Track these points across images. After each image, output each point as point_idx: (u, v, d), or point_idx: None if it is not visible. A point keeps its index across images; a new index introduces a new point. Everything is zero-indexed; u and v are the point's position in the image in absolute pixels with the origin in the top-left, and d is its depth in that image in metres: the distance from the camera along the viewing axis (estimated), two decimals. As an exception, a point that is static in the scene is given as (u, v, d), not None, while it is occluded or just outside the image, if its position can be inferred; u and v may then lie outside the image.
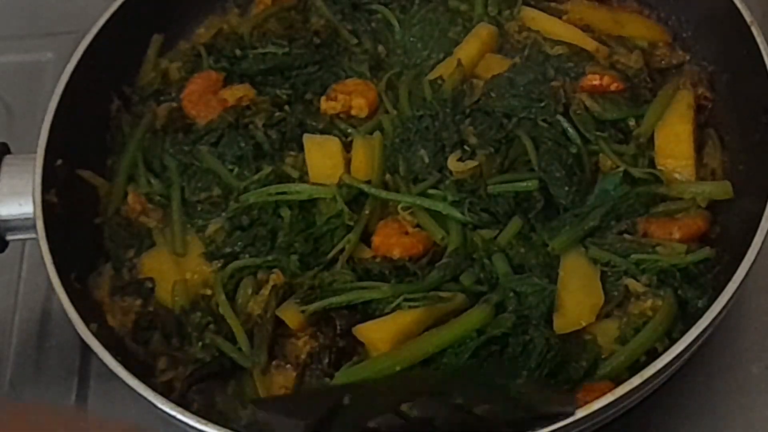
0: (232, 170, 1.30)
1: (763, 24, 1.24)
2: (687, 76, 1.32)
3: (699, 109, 1.29)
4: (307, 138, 1.30)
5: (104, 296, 1.24)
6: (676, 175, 1.24)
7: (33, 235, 1.21)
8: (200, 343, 1.19)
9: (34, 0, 1.65)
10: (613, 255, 1.18)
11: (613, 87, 1.29)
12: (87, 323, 1.15)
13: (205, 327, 1.19)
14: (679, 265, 1.17)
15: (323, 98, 1.34)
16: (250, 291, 1.21)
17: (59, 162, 1.26)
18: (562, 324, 1.15)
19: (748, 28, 1.24)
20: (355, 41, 1.39)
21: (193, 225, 1.28)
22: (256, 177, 1.28)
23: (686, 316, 1.15)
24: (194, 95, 1.36)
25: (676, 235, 1.19)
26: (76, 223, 1.27)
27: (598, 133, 1.26)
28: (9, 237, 1.25)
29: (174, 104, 1.36)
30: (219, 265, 1.24)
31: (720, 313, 1.09)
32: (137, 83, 1.39)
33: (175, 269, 1.25)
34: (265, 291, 1.20)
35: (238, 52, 1.39)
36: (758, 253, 1.11)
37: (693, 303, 1.16)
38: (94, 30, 1.33)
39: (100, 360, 1.13)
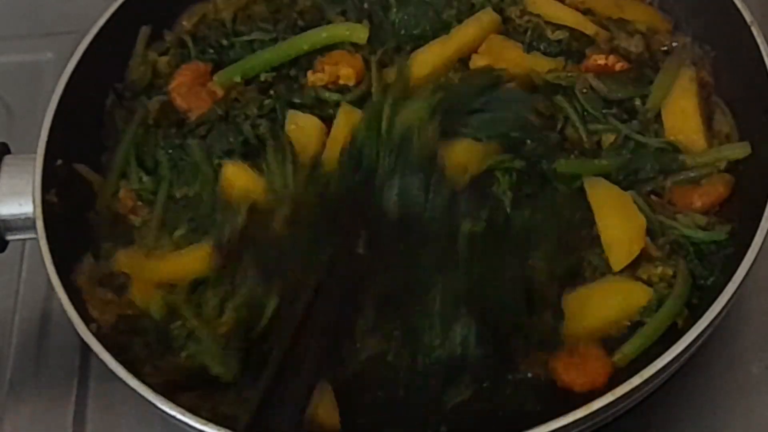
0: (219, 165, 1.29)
1: (763, 24, 1.24)
2: (688, 55, 1.32)
3: (702, 86, 1.29)
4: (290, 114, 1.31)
5: (84, 283, 1.23)
6: (690, 146, 1.25)
7: (33, 235, 1.21)
8: (184, 353, 1.18)
9: (34, 0, 1.65)
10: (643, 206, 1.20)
11: (618, 67, 1.30)
12: (87, 323, 1.15)
13: (187, 337, 1.18)
14: (693, 238, 1.19)
15: (309, 72, 1.34)
16: (211, 309, 1.19)
17: (59, 162, 1.26)
18: (617, 260, 1.17)
19: (748, 28, 1.24)
20: (342, 20, 1.39)
21: (167, 227, 1.27)
22: None
23: (693, 294, 1.16)
24: (183, 88, 1.35)
25: (698, 204, 1.21)
26: (77, 223, 1.27)
27: (605, 110, 1.28)
28: (9, 237, 1.25)
29: (165, 98, 1.36)
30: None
31: (720, 312, 1.09)
32: (128, 78, 1.38)
33: (147, 270, 1.24)
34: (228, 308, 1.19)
35: (224, 41, 1.38)
36: (758, 252, 1.11)
37: (701, 280, 1.17)
38: (94, 30, 1.33)
39: (100, 360, 1.13)
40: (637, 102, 1.29)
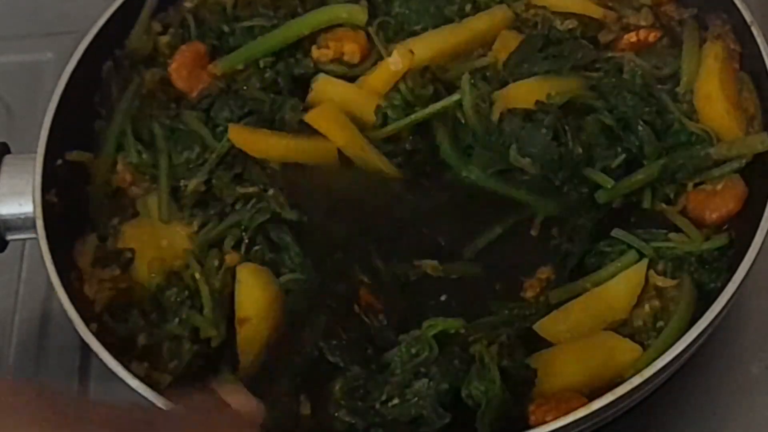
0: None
1: (763, 24, 1.24)
2: (710, 29, 1.30)
3: (731, 57, 1.27)
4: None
5: (86, 265, 1.23)
6: (720, 135, 1.22)
7: (33, 235, 1.21)
8: (177, 319, 1.19)
9: (34, 0, 1.65)
10: (635, 239, 1.18)
11: (651, 37, 1.30)
12: (87, 323, 1.15)
13: (182, 303, 1.19)
14: (695, 252, 1.17)
15: (314, 47, 1.35)
16: (216, 263, 1.21)
17: (59, 162, 1.26)
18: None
19: (749, 28, 1.24)
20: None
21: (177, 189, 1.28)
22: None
23: (701, 298, 1.14)
24: (183, 70, 1.34)
25: (708, 219, 1.19)
26: (76, 222, 1.27)
27: (660, 86, 1.27)
28: (9, 237, 1.25)
29: (165, 74, 1.35)
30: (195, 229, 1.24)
31: (720, 313, 1.09)
32: (128, 46, 1.37)
33: (154, 240, 1.24)
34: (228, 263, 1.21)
35: (225, 27, 1.38)
36: (758, 253, 1.11)
37: (707, 286, 1.15)
38: (94, 30, 1.33)
39: (100, 360, 1.13)
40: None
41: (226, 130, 1.28)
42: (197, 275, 1.20)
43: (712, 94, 1.24)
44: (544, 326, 1.15)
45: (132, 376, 1.10)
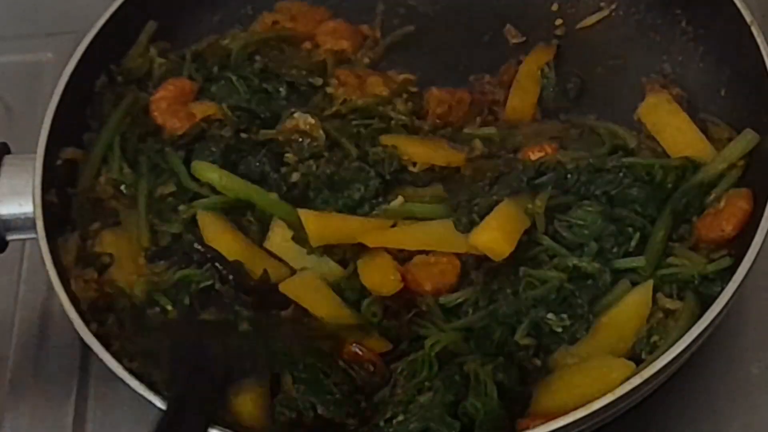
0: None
1: (763, 24, 1.24)
2: (652, 81, 1.33)
3: (682, 103, 1.29)
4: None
5: (69, 263, 1.23)
6: (699, 159, 1.23)
7: (33, 235, 1.21)
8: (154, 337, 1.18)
9: (34, 0, 1.65)
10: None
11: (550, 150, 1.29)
12: (87, 323, 1.15)
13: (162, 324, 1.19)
14: (699, 274, 1.16)
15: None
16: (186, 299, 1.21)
17: (59, 162, 1.27)
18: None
19: (748, 28, 1.24)
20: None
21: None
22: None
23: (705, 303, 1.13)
24: (163, 102, 1.34)
25: (728, 228, 1.17)
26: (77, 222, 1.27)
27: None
28: (9, 237, 1.25)
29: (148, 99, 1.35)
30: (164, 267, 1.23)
31: (720, 313, 1.09)
32: (125, 65, 1.37)
33: (133, 255, 1.24)
34: None
35: (215, 69, 1.37)
36: (758, 253, 1.11)
37: (711, 293, 1.14)
38: (94, 30, 1.33)
39: (100, 360, 1.13)
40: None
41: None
42: (169, 307, 1.20)
43: (682, 127, 1.25)
44: (552, 358, 1.16)
45: (131, 376, 1.10)
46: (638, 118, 1.30)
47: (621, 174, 1.21)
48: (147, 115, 1.34)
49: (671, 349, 1.07)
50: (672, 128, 1.27)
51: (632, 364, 1.10)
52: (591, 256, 1.18)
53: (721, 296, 1.09)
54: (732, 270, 1.11)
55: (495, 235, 1.17)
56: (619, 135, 1.28)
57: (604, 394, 1.05)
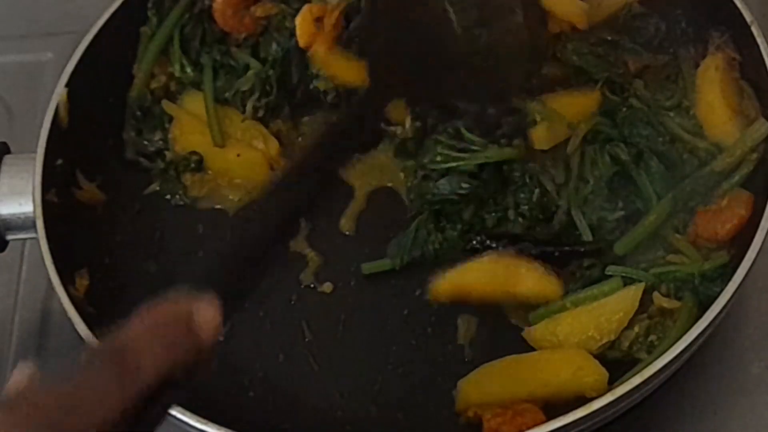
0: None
1: (763, 24, 1.24)
2: (710, 40, 1.29)
3: (731, 66, 1.26)
4: None
5: None
6: (724, 143, 1.22)
7: (33, 235, 1.21)
8: None
9: (34, 0, 1.65)
10: (634, 271, 1.17)
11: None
12: (87, 323, 1.15)
13: None
14: (696, 273, 1.16)
15: None
16: None
17: (59, 162, 1.27)
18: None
19: (748, 28, 1.24)
20: None
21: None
22: None
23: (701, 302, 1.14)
24: (228, 9, 1.35)
25: (722, 232, 1.17)
26: (77, 222, 1.26)
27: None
28: (9, 237, 1.25)
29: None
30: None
31: (720, 313, 1.09)
32: None
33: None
34: None
35: None
36: (758, 253, 1.11)
37: (711, 293, 1.13)
38: (94, 30, 1.33)
39: (100, 360, 1.13)
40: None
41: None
42: None
43: (714, 104, 1.24)
44: (530, 333, 1.16)
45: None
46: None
47: (660, 138, 1.24)
48: (209, 21, 1.36)
49: (671, 349, 1.07)
50: (704, 103, 1.25)
51: (605, 372, 1.10)
52: None
53: (721, 296, 1.09)
54: (732, 270, 1.11)
55: None
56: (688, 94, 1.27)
57: (572, 395, 1.07)
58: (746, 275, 1.10)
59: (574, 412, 1.04)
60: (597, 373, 1.11)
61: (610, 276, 1.17)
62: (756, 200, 1.17)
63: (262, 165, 1.30)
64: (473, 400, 1.13)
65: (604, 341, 1.14)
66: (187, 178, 1.32)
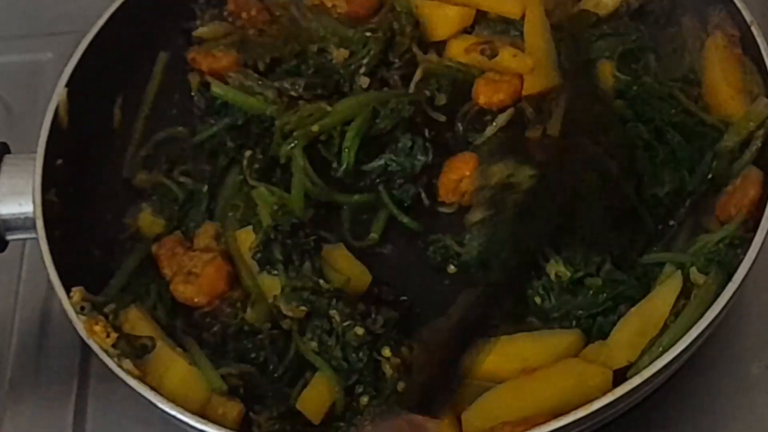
0: None
1: (763, 24, 1.24)
2: (710, 20, 1.30)
3: (732, 43, 1.27)
4: None
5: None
6: (730, 118, 1.23)
7: (33, 235, 1.21)
8: None
9: (34, 0, 1.65)
10: (675, 255, 1.18)
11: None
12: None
13: None
14: (724, 239, 1.15)
15: None
16: None
17: (59, 162, 1.26)
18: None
19: (748, 28, 1.24)
20: None
21: None
22: None
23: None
24: None
25: (735, 212, 1.17)
26: (77, 222, 1.27)
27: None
28: (9, 237, 1.25)
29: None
30: None
31: (720, 312, 1.09)
32: None
33: None
34: None
35: None
36: (758, 252, 1.11)
37: (735, 263, 1.12)
38: (94, 30, 1.33)
39: (100, 360, 1.13)
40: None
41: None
42: None
43: (716, 83, 1.25)
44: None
45: (131, 375, 1.10)
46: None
47: (672, 110, 1.25)
48: None
49: (671, 349, 1.07)
50: (708, 82, 1.26)
51: (608, 371, 1.10)
52: None
53: (721, 296, 1.09)
54: (731, 270, 1.11)
55: None
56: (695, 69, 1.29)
57: (580, 401, 1.05)
58: (746, 275, 1.10)
59: (574, 412, 1.04)
60: (599, 373, 1.11)
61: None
62: (766, 177, 1.18)
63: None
64: (479, 426, 1.11)
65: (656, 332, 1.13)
66: None
